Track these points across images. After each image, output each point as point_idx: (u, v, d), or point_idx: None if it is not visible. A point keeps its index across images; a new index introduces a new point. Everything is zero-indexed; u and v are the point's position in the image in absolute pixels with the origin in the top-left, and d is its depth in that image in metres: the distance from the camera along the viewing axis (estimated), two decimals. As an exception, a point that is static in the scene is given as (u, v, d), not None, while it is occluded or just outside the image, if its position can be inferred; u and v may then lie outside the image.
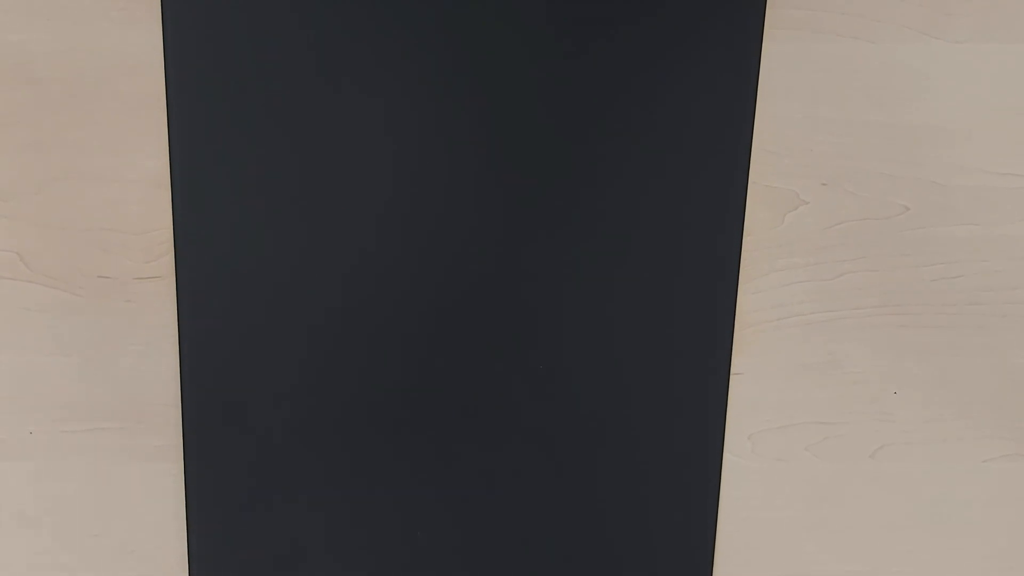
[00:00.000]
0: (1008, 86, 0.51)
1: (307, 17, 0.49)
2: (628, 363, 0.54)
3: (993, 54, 0.51)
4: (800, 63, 0.51)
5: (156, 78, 0.50)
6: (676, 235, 0.52)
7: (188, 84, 0.50)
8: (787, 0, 0.50)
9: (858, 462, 0.57)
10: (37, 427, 0.55)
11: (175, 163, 0.51)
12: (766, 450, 0.57)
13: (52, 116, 0.51)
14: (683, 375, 0.55)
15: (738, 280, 0.54)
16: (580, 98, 0.50)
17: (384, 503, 0.57)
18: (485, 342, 0.54)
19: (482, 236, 0.52)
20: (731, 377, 0.55)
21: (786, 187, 0.53)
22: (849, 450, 0.57)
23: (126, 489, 0.57)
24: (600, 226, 0.52)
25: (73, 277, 0.53)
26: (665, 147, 0.51)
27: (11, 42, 0.50)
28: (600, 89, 0.50)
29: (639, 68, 0.50)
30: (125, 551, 0.58)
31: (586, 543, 0.58)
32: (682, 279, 0.53)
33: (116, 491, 0.57)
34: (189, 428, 0.55)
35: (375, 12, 0.49)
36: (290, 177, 0.51)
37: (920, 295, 0.54)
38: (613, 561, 0.58)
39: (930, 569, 0.59)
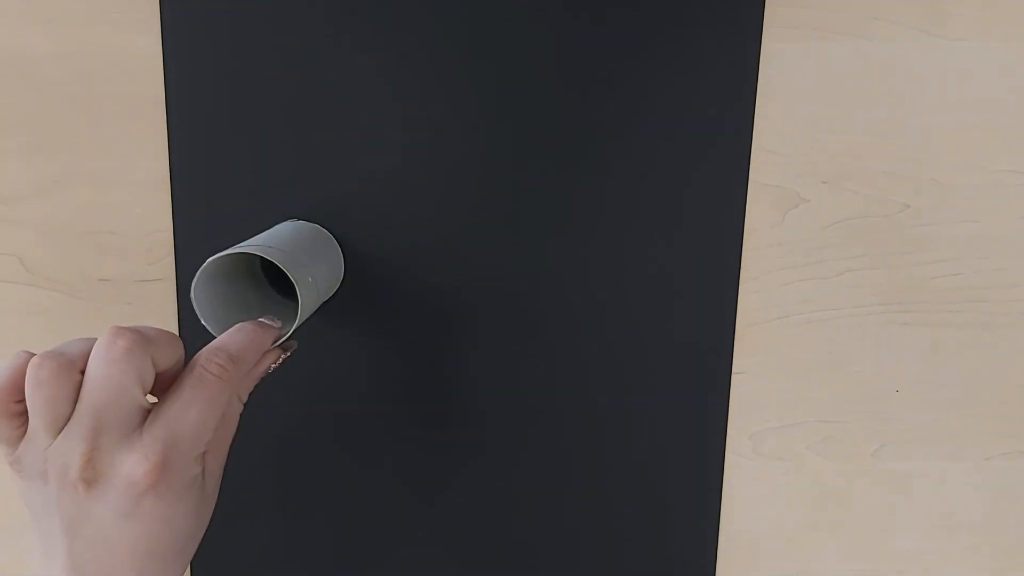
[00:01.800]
0: (1008, 85, 0.51)
1: (306, 19, 0.49)
2: (629, 363, 0.54)
3: (993, 53, 0.51)
4: (800, 62, 0.51)
5: (156, 81, 0.50)
6: (676, 235, 0.52)
7: (187, 87, 0.50)
8: (787, -1, 0.50)
9: (859, 461, 0.57)
10: (39, 430, 0.55)
11: (175, 165, 0.51)
12: (767, 449, 0.57)
13: (52, 119, 0.51)
14: (684, 374, 0.55)
15: (739, 279, 0.54)
16: (581, 98, 0.50)
17: (385, 503, 0.57)
18: (486, 343, 0.54)
19: (481, 236, 0.52)
20: (732, 376, 0.55)
21: (786, 185, 0.53)
22: (850, 449, 0.57)
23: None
24: (600, 226, 0.52)
25: (74, 280, 0.53)
26: (665, 146, 0.51)
27: (11, 45, 0.50)
28: (600, 88, 0.50)
29: (639, 67, 0.50)
30: (127, 553, 0.58)
31: (588, 542, 0.58)
32: (683, 279, 0.53)
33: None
34: (191, 430, 0.55)
35: (374, 13, 0.49)
36: (289, 180, 0.51)
37: (921, 293, 0.54)
38: (615, 560, 0.58)
39: (931, 568, 0.59)
